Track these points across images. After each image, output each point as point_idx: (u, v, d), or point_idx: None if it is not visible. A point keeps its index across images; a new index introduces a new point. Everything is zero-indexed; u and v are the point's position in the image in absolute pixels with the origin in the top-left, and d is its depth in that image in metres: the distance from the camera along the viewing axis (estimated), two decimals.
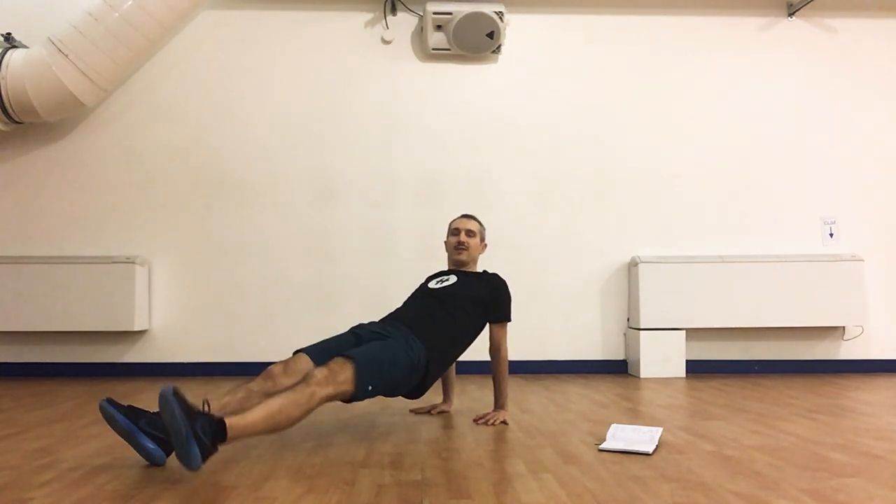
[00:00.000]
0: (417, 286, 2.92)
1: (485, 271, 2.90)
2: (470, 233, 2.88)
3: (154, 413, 1.98)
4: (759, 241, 4.47)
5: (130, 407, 2.02)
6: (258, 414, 1.93)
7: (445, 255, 2.98)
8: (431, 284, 2.81)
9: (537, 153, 4.48)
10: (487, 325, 2.78)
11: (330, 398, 2.11)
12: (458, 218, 2.96)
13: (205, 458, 1.80)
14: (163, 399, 1.82)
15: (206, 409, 1.91)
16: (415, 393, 2.59)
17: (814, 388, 3.66)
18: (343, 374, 2.15)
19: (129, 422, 1.96)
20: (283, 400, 1.99)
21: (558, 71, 4.53)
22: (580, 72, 4.53)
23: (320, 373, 2.10)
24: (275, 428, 1.98)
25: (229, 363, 4.26)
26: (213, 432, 1.82)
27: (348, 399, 2.20)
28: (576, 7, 4.56)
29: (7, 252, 4.23)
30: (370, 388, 2.22)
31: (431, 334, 2.52)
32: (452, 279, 2.79)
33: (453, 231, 2.91)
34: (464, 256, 2.85)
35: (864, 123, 4.57)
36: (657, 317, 4.22)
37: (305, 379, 2.08)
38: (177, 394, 1.83)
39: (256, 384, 2.21)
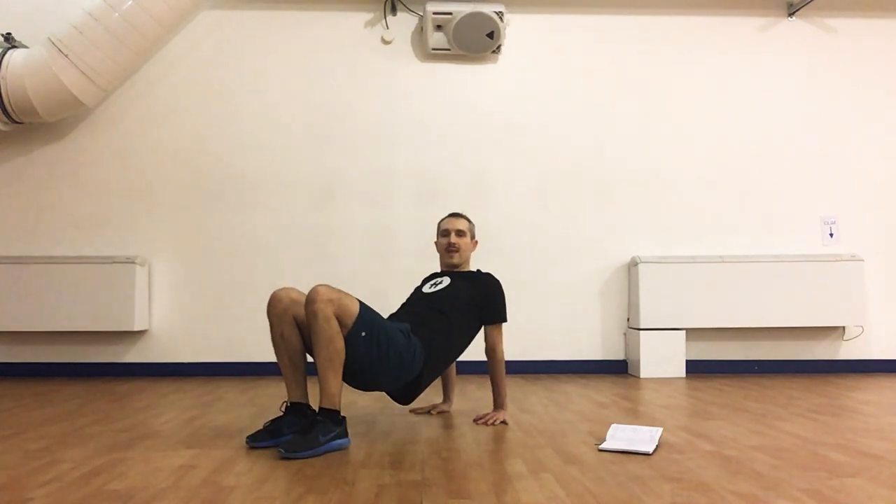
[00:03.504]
0: (413, 290, 2.89)
1: (478, 270, 2.86)
2: (460, 233, 2.82)
3: (285, 413, 2.35)
4: (760, 242, 4.47)
5: (268, 428, 2.29)
6: (329, 378, 2.19)
7: None
8: (425, 288, 2.78)
9: (537, 153, 4.48)
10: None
11: (335, 317, 2.21)
12: (447, 217, 2.89)
13: (346, 434, 2.23)
14: (286, 458, 2.08)
15: (307, 403, 2.33)
16: (406, 396, 2.58)
17: (814, 388, 3.66)
18: (350, 302, 2.26)
19: (274, 440, 2.24)
20: (324, 351, 2.18)
21: (558, 71, 4.53)
22: (580, 72, 4.54)
23: (324, 287, 2.21)
24: (342, 365, 2.22)
25: (229, 363, 4.26)
26: (332, 422, 2.17)
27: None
28: (576, 7, 4.56)
29: (7, 252, 4.23)
30: (363, 333, 2.26)
31: (429, 340, 2.50)
32: (446, 281, 2.75)
33: (443, 232, 2.85)
34: (455, 259, 2.80)
35: (865, 123, 4.57)
36: (657, 317, 4.22)
37: (311, 304, 2.20)
38: (286, 448, 2.08)
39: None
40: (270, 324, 2.37)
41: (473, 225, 2.92)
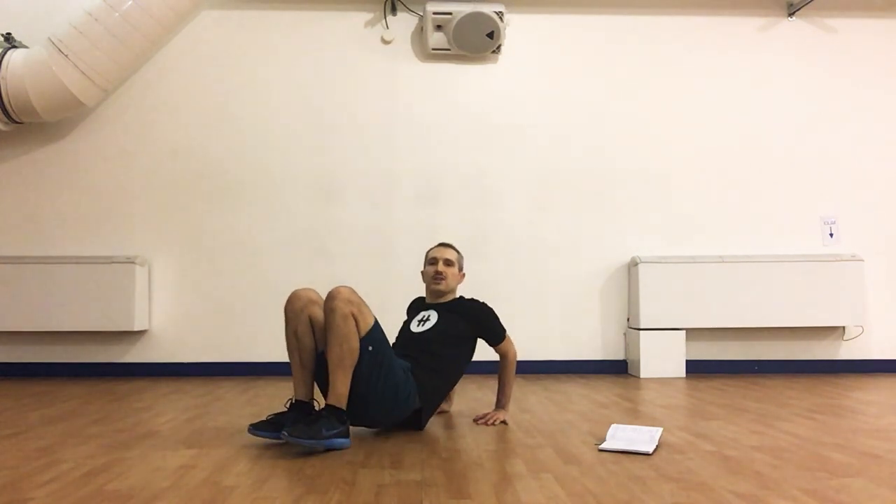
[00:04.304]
0: (401, 326, 2.84)
1: (461, 297, 2.82)
2: (448, 262, 2.78)
3: (289, 409, 2.35)
4: (759, 241, 4.47)
5: (271, 420, 2.30)
6: (338, 377, 2.21)
7: None
8: (413, 327, 2.74)
9: (537, 153, 4.48)
10: (481, 341, 2.75)
11: (352, 318, 2.25)
12: (436, 247, 2.86)
13: (348, 434, 2.21)
14: (285, 440, 2.11)
15: (312, 402, 2.33)
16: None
17: (814, 388, 3.66)
18: (367, 313, 2.32)
19: (276, 433, 2.23)
20: (338, 348, 2.22)
21: (558, 71, 4.53)
22: (580, 71, 4.53)
23: (346, 289, 2.26)
24: (353, 366, 2.24)
25: (229, 363, 4.26)
26: (336, 419, 2.16)
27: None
28: (576, 7, 4.56)
29: (7, 252, 4.23)
30: (370, 348, 2.29)
31: (424, 382, 2.50)
32: (433, 319, 2.71)
33: (430, 260, 2.81)
34: (442, 287, 2.76)
35: (864, 123, 4.57)
36: (657, 317, 4.22)
37: (331, 300, 2.23)
38: (289, 432, 2.09)
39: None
40: (286, 320, 2.39)
41: (462, 257, 2.88)
